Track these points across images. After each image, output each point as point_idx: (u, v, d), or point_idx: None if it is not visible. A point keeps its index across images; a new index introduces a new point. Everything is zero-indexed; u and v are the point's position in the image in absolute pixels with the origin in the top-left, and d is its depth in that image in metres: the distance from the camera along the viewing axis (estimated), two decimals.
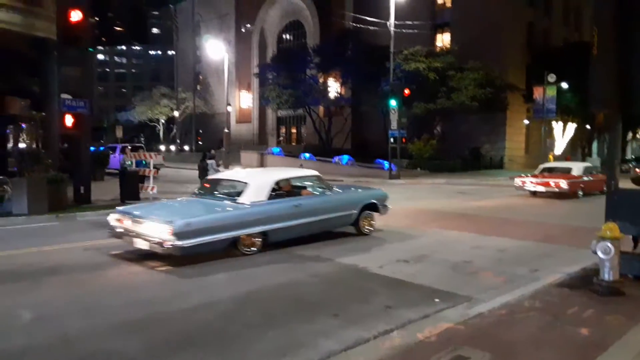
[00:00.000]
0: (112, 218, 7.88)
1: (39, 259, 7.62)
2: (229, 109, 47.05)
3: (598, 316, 5.00)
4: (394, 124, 26.98)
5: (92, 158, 21.56)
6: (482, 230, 10.62)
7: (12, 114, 19.05)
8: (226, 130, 35.81)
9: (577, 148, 35.89)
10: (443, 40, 38.55)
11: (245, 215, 7.66)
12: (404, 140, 29.25)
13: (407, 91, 28.44)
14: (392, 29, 27.71)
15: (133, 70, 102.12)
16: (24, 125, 20.30)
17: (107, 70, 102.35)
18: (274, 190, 8.26)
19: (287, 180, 8.88)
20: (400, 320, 5.05)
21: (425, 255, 8.09)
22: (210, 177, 10.58)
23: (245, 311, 5.36)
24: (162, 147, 53.68)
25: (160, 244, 6.82)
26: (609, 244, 5.56)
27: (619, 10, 6.29)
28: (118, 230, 7.73)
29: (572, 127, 33.04)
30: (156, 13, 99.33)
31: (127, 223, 7.55)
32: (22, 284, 6.27)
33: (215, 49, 43.52)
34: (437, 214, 13.32)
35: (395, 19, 28.12)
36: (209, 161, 17.62)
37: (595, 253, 5.66)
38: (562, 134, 33.11)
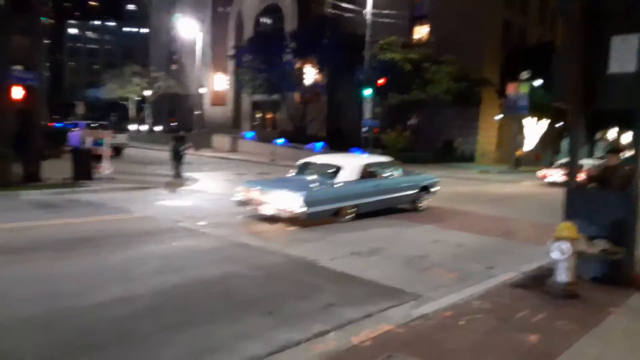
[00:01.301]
0: (239, 190, 9.78)
1: None
2: (203, 90, 45.94)
3: (549, 321, 4.68)
4: (367, 114, 26.64)
5: (48, 134, 20.60)
6: (444, 224, 10.33)
7: None
8: (197, 112, 34.80)
9: (548, 146, 36.16)
10: (420, 32, 38.21)
11: (345, 190, 9.56)
12: (377, 130, 28.92)
13: (381, 81, 28.02)
14: (368, 17, 27.23)
15: (106, 47, 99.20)
16: None
17: (79, 45, 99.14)
18: (362, 172, 10.03)
19: (370, 164, 10.70)
20: (339, 320, 4.64)
21: (381, 247, 7.71)
22: (303, 160, 11.05)
23: (165, 308, 4.85)
24: (132, 127, 52.19)
25: (290, 210, 8.62)
26: (565, 245, 5.26)
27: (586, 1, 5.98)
28: (243, 199, 9.56)
29: (543, 124, 33.20)
30: None
31: (254, 194, 9.39)
32: None
33: (190, 29, 42.24)
34: None
35: (374, 7, 27.63)
36: (180, 144, 16.67)
37: (551, 254, 5.35)
38: (534, 131, 33.25)
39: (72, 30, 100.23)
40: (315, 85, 37.74)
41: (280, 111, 43.61)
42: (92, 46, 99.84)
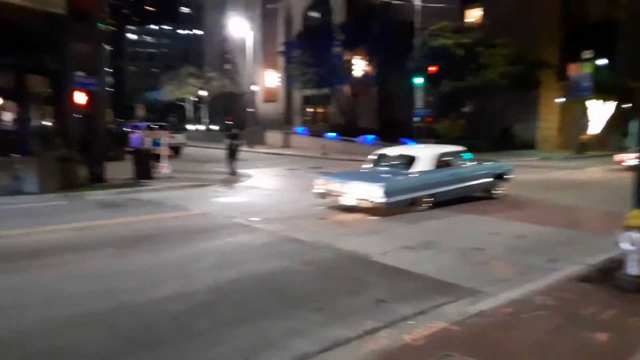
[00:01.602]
0: (318, 182, 10.21)
1: (24, 241, 7.41)
2: (255, 88, 46.68)
3: (619, 318, 4.36)
4: (419, 103, 26.10)
5: (112, 137, 21.61)
6: (502, 214, 9.92)
7: (31, 92, 19.08)
8: (250, 110, 35.41)
9: (615, 129, 33.98)
10: (472, 15, 36.85)
11: (422, 180, 9.85)
12: (430, 119, 28.29)
13: (432, 68, 27.32)
14: (417, 3, 26.57)
15: (164, 50, 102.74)
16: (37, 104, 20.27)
17: (139, 50, 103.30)
18: (438, 162, 10.28)
19: (445, 154, 10.85)
20: (391, 316, 4.54)
21: (434, 241, 7.50)
22: (379, 151, 11.46)
23: (220, 303, 4.93)
24: (190, 127, 53.88)
25: (371, 201, 9.03)
26: (636, 234, 4.88)
27: None
28: (322, 191, 10.10)
29: (610, 106, 31.19)
30: None
31: (334, 186, 9.91)
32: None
33: (240, 28, 42.96)
34: None
35: None
36: (234, 141, 17.05)
37: (619, 244, 4.99)
38: (599, 114, 31.30)
39: (132, 36, 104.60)
40: (365, 76, 37.36)
41: (331, 105, 43.60)
42: (150, 50, 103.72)
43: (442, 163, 10.44)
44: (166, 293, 5.11)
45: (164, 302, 4.87)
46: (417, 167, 10.02)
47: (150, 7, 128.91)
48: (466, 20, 36.54)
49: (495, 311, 4.51)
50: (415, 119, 26.51)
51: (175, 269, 5.97)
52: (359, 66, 37.89)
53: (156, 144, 15.74)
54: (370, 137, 31.36)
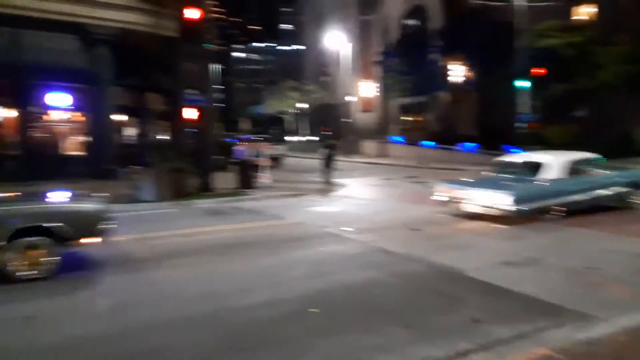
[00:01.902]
0: (440, 189, 10.36)
1: (136, 247, 8.06)
2: (350, 98, 47.12)
3: None
4: (523, 108, 24.59)
5: (220, 149, 22.98)
6: (622, 229, 8.95)
7: (149, 109, 21.01)
8: (345, 120, 35.78)
9: None
10: (581, 12, 34.04)
11: (553, 188, 9.45)
12: (535, 125, 26.52)
13: (538, 71, 25.61)
14: (519, 3, 25.15)
15: (267, 66, 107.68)
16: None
17: (244, 67, 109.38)
18: (569, 169, 9.84)
19: (577, 161, 10.25)
20: (486, 338, 4.26)
21: (538, 257, 6.95)
22: (501, 158, 11.51)
23: (309, 313, 4.96)
24: (290, 138, 55.77)
25: (500, 208, 8.93)
26: None
27: None
28: (444, 198, 10.16)
29: None
30: (289, 10, 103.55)
31: (456, 192, 9.95)
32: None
33: (336, 40, 43.74)
34: None
35: None
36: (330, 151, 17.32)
37: None
38: None
39: (239, 54, 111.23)
40: (463, 82, 36.13)
41: (428, 113, 42.69)
42: (255, 67, 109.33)
43: (573, 170, 9.92)
44: (258, 300, 5.28)
45: (256, 309, 5.02)
46: (547, 174, 9.62)
47: (255, 26, 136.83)
48: (575, 17, 33.90)
49: (607, 339, 4.06)
50: (519, 125, 24.99)
51: (267, 277, 6.15)
52: (458, 72, 36.74)
53: (258, 155, 16.44)
54: (470, 144, 30.14)
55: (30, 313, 4.97)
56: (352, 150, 35.99)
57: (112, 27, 17.14)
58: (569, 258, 6.89)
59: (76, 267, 6.53)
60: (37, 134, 18.08)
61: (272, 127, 66.64)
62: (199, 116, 14.69)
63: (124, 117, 20.42)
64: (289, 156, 29.94)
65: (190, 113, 14.47)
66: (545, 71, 26.07)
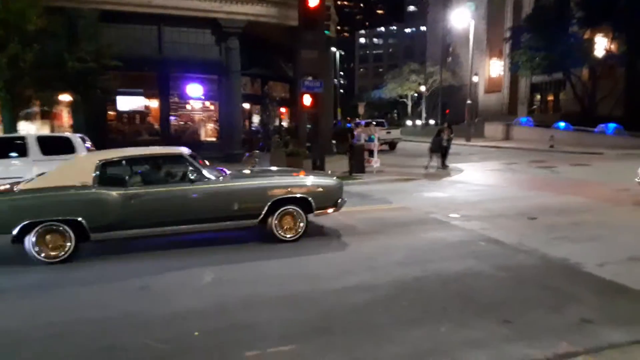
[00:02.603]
0: None
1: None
2: (476, 79, 44.67)
3: None
4: None
5: (335, 133, 23.43)
6: None
7: (272, 96, 22.16)
8: (469, 102, 34.09)
9: None
10: None
11: None
12: None
13: None
14: None
15: (390, 50, 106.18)
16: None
17: (367, 52, 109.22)
18: None
19: None
20: (595, 341, 3.83)
21: None
22: None
23: (401, 300, 4.86)
24: (409, 122, 54.74)
25: None
26: None
27: None
28: None
29: None
30: None
31: None
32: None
33: (463, 19, 41.55)
34: None
35: None
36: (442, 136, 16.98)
37: None
38: None
39: (362, 40, 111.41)
40: (608, 56, 32.15)
41: (564, 91, 38.80)
42: (377, 51, 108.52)
43: None
44: (351, 283, 5.30)
45: (348, 292, 5.04)
46: None
47: (380, 10, 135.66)
48: None
49: None
50: None
51: (363, 260, 6.14)
52: (601, 45, 32.76)
53: (370, 139, 16.43)
54: (612, 125, 26.89)
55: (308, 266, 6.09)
56: (475, 133, 34.16)
57: (241, 20, 18.31)
58: None
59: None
60: (175, 121, 20.10)
61: (393, 112, 65.95)
62: (315, 102, 15.00)
63: (250, 105, 21.79)
64: (405, 140, 29.42)
65: (307, 100, 14.81)
66: None
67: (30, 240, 5.95)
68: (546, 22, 32.26)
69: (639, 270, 5.51)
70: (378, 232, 7.64)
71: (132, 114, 19.38)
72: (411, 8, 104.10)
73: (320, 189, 7.15)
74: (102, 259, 6.43)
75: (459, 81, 53.31)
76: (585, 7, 31.02)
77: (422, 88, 51.51)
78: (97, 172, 6.24)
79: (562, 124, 30.18)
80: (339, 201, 7.29)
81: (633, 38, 29.16)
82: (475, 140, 31.55)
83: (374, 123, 27.36)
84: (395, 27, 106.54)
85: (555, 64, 32.77)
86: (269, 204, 6.74)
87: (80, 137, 11.83)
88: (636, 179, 9.78)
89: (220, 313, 4.63)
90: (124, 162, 6.66)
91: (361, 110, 32.52)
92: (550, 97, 43.81)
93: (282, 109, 23.35)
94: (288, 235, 6.91)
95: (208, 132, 20.69)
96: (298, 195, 6.91)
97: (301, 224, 6.98)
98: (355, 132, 25.23)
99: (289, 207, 6.87)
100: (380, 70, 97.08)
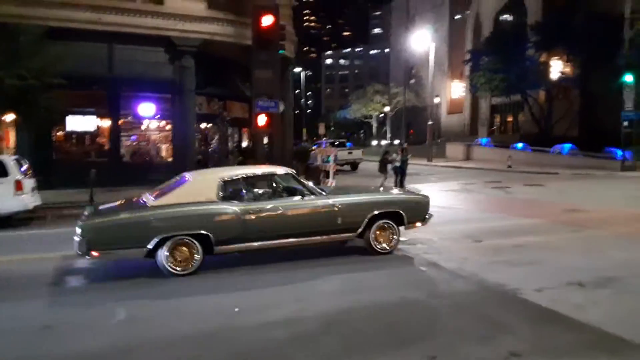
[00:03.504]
0: None
1: None
2: (438, 100, 45.55)
3: None
4: (628, 104, 21.99)
5: (296, 153, 23.12)
6: None
7: (229, 116, 21.72)
8: (430, 123, 34.56)
9: None
10: None
11: None
12: None
13: None
14: None
15: (355, 71, 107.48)
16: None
17: (334, 73, 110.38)
18: None
19: None
20: None
21: (617, 276, 5.93)
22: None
23: (325, 335, 4.49)
24: (374, 142, 55.16)
25: None
26: None
27: None
28: None
29: None
30: (377, 13, 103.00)
31: None
32: None
33: (424, 41, 42.43)
34: None
35: None
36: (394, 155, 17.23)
37: None
38: None
39: (328, 61, 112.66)
40: (562, 79, 33.25)
41: (523, 113, 39.87)
42: (343, 72, 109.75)
43: None
44: (273, 317, 4.90)
45: (269, 327, 4.66)
46: None
47: (345, 32, 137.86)
48: None
49: None
50: (624, 124, 22.36)
51: (291, 291, 5.74)
52: (556, 68, 33.86)
53: (327, 160, 16.27)
54: (568, 146, 27.62)
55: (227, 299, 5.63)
56: (438, 153, 34.58)
57: (196, 38, 17.93)
58: None
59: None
60: (127, 142, 19.42)
61: (358, 132, 66.46)
62: (270, 122, 14.73)
63: (207, 125, 21.30)
64: (366, 160, 29.43)
65: (261, 120, 14.53)
66: None
67: (163, 254, 6.17)
68: (504, 45, 33.20)
69: (575, 296, 5.33)
70: (313, 258, 7.23)
71: (81, 135, 18.61)
72: (376, 30, 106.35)
73: (413, 204, 7.62)
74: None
75: (422, 102, 54.19)
76: (540, 31, 32.11)
77: (386, 109, 52.10)
78: (220, 189, 6.60)
79: (520, 145, 30.83)
80: (427, 216, 7.65)
81: (586, 61, 30.22)
82: (437, 160, 31.88)
83: (336, 143, 27.36)
84: (360, 49, 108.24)
85: (513, 86, 33.68)
86: (368, 217, 7.04)
87: (16, 159, 11.20)
88: None
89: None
90: (240, 179, 7.02)
91: (322, 130, 32.53)
92: (510, 119, 44.96)
93: (241, 129, 22.95)
94: (384, 247, 7.21)
95: (161, 153, 20.08)
96: (393, 210, 7.26)
97: (395, 237, 7.29)
98: (313, 153, 25.12)
99: (384, 221, 7.17)
100: (347, 90, 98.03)
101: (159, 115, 19.35)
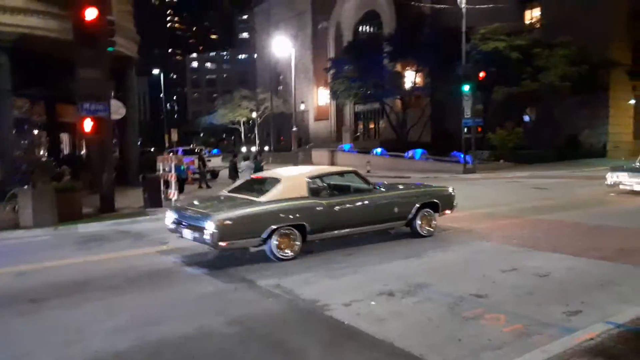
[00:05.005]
0: (609, 175, 13.88)
1: None
2: (303, 107, 46.17)
3: None
4: (467, 112, 24.01)
5: (143, 161, 21.38)
6: (533, 241, 8.05)
7: (60, 121, 19.27)
8: (294, 129, 34.70)
9: None
10: (531, 15, 34.06)
11: None
12: (479, 129, 26.05)
13: (482, 74, 25.11)
14: (463, 5, 24.63)
15: (223, 75, 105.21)
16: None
17: (200, 77, 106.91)
18: None
19: None
20: None
21: (426, 283, 5.88)
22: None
23: None
24: (244, 149, 54.21)
25: None
26: None
27: None
28: (613, 182, 13.61)
29: None
30: (244, 17, 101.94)
31: (622, 178, 13.34)
32: None
33: (288, 48, 42.73)
34: (488, 217, 10.73)
35: None
36: (244, 162, 16.74)
37: None
38: None
39: (194, 64, 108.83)
40: (414, 88, 35.63)
41: (383, 120, 42.03)
42: (211, 76, 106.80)
43: None
44: None
45: None
46: None
47: (212, 35, 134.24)
48: (525, 21, 33.79)
49: None
50: (464, 130, 24.38)
51: (64, 331, 4.76)
52: (408, 77, 36.17)
53: (169, 169, 14.97)
54: (419, 151, 29.49)
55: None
56: (305, 159, 34.84)
57: (12, 32, 15.53)
58: (463, 282, 5.84)
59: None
60: None
61: (228, 138, 64.99)
62: (98, 128, 13.07)
63: (31, 131, 18.70)
64: (225, 168, 28.48)
65: (88, 125, 12.82)
66: (485, 74, 25.55)
67: (272, 242, 7.04)
68: (362, 55, 34.57)
69: (381, 309, 5.10)
70: (115, 287, 6.20)
71: None
72: (244, 35, 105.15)
73: (446, 195, 8.99)
74: None
75: (289, 109, 54.62)
76: (393, 42, 33.97)
77: (254, 114, 51.56)
78: (309, 186, 7.64)
79: (378, 150, 32.22)
80: (454, 204, 9.07)
81: (433, 71, 32.62)
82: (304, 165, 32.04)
83: (196, 151, 25.98)
84: (228, 53, 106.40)
85: (373, 94, 35.28)
86: (416, 207, 8.32)
87: None
88: (605, 183, 13.44)
89: None
90: (321, 177, 8.32)
91: (174, 136, 30.77)
92: (372, 125, 47.21)
93: (74, 135, 20.59)
94: (426, 231, 8.50)
95: None
96: (434, 200, 8.60)
97: (433, 223, 8.61)
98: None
99: (426, 210, 8.47)
100: (215, 95, 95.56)
101: None
